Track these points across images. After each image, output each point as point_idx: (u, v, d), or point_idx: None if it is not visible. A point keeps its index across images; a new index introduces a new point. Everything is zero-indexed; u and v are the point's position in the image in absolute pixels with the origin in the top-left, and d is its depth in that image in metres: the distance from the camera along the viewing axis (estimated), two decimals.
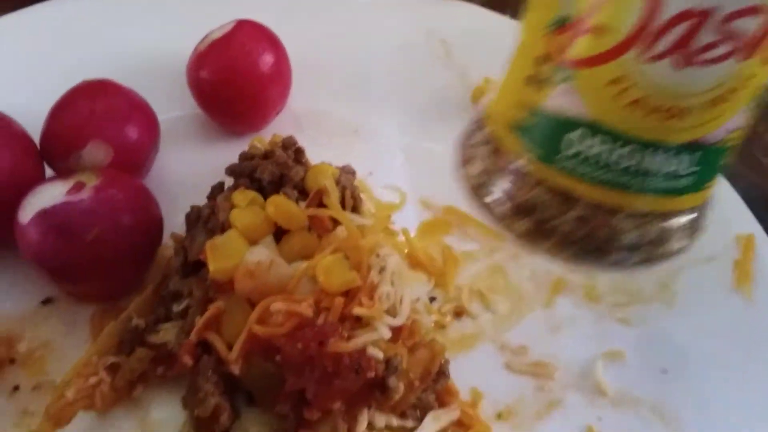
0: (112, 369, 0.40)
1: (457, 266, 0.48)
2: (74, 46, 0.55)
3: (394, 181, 0.53)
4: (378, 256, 0.41)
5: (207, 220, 0.43)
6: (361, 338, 0.36)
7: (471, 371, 0.43)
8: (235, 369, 0.37)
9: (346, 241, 0.40)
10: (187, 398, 0.40)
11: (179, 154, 0.53)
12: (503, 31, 0.56)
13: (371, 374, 0.36)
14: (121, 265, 0.43)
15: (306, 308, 0.37)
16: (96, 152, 0.45)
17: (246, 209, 0.41)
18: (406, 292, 0.40)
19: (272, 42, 0.52)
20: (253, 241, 0.40)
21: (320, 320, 0.37)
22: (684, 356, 0.45)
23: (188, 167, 0.52)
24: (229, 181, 0.46)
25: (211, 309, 0.38)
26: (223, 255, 0.39)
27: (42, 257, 0.41)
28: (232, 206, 0.42)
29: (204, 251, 0.40)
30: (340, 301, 0.37)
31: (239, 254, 0.39)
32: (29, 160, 0.45)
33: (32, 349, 0.43)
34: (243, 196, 0.42)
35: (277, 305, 0.37)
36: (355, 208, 0.44)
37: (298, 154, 0.47)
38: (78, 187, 0.42)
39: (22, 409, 0.41)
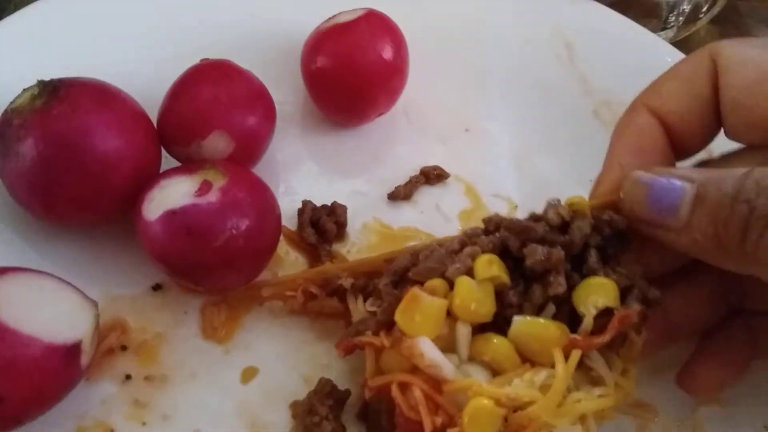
0: (309, 295, 0.43)
1: None
2: (188, 19, 0.52)
3: (503, 189, 0.51)
4: None
5: (450, 251, 0.37)
6: None
7: None
8: (367, 393, 0.37)
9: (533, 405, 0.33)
10: (300, 413, 0.41)
11: (283, 142, 0.51)
12: (629, 36, 0.54)
13: None
14: (242, 266, 0.42)
15: (429, 421, 0.33)
16: (218, 143, 0.44)
17: (477, 287, 0.35)
18: None
19: (394, 35, 0.49)
20: (457, 319, 0.35)
21: None
22: None
23: (293, 157, 0.51)
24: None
25: (383, 336, 0.36)
26: (414, 315, 0.35)
27: (166, 257, 0.40)
28: (470, 268, 0.35)
29: (408, 289, 0.36)
30: None
31: (425, 329, 0.34)
32: (149, 144, 0.44)
33: (144, 338, 0.43)
34: (488, 269, 0.35)
35: (417, 393, 0.34)
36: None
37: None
38: (205, 187, 0.40)
39: (133, 400, 0.42)
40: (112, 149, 0.41)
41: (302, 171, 0.51)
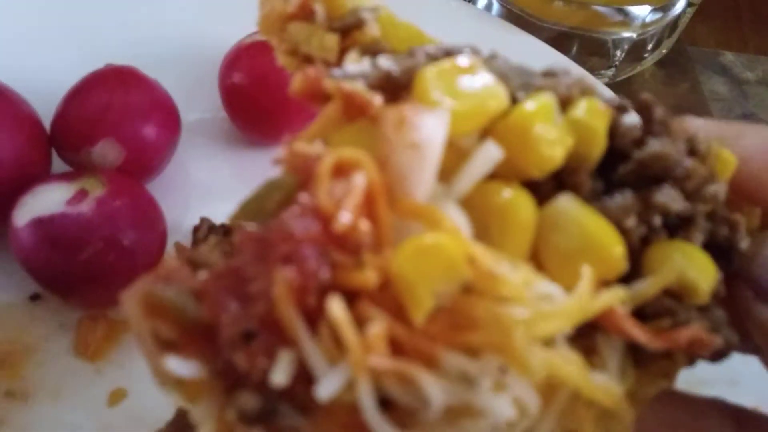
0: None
1: None
2: (99, 23, 0.51)
3: None
4: None
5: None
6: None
7: None
8: (278, 159, 0.21)
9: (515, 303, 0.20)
10: None
11: (196, 157, 0.49)
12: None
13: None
14: (114, 282, 0.40)
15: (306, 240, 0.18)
16: (108, 151, 0.42)
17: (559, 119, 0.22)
18: None
19: None
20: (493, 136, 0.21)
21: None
22: None
23: (203, 173, 0.49)
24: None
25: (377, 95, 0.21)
26: (453, 83, 0.21)
27: (31, 265, 0.39)
28: (567, 99, 0.22)
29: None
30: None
31: (455, 110, 0.20)
32: (36, 149, 0.42)
33: (11, 350, 0.41)
34: (595, 114, 0.22)
35: (358, 183, 0.19)
36: None
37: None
38: (80, 196, 0.39)
39: None
40: None
41: (210, 188, 0.49)
